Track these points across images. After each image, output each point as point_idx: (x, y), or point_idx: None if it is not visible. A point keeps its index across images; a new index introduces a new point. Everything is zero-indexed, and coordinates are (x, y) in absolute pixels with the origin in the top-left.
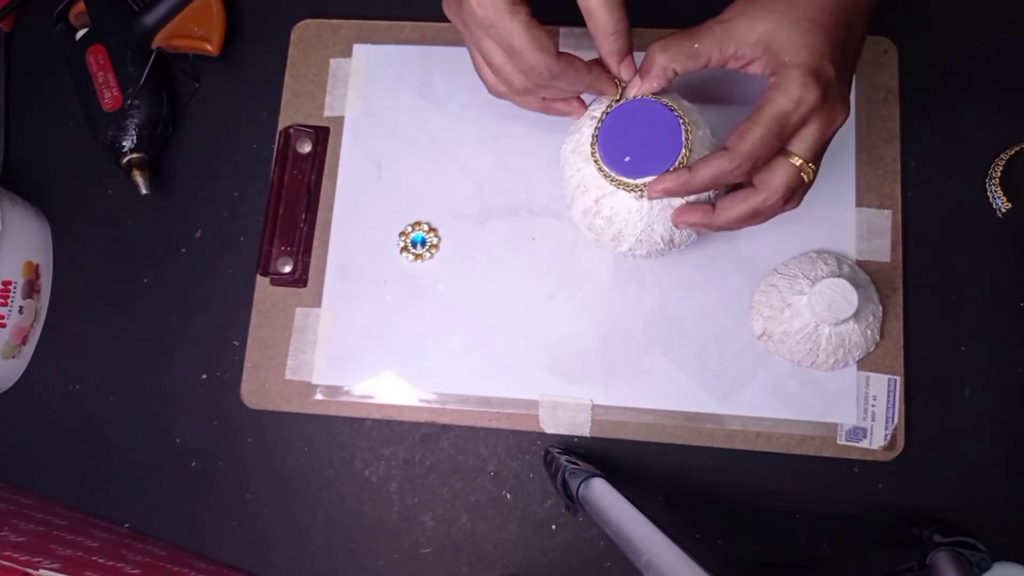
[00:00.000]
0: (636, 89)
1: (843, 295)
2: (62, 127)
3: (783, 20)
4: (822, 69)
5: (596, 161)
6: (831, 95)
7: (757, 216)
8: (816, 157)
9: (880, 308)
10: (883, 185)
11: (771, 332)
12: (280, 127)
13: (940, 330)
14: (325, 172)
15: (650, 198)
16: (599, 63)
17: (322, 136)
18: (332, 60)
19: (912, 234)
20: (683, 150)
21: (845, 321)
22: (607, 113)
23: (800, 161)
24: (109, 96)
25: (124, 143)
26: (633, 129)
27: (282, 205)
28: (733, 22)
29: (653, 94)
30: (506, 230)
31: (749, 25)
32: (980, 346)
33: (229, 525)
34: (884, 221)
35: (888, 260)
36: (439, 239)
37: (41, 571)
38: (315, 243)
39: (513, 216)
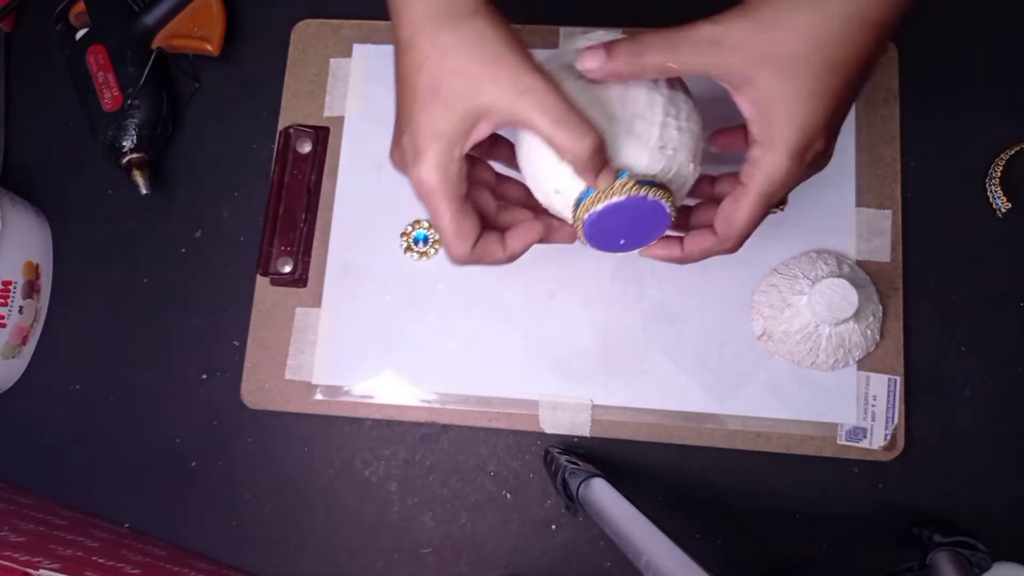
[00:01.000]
0: (597, 64)
1: (843, 295)
2: (62, 127)
3: (786, 80)
4: (811, 146)
5: (577, 226)
6: (817, 161)
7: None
8: (786, 197)
9: (880, 308)
10: (883, 185)
11: (771, 332)
12: (280, 127)
13: (940, 330)
14: (325, 172)
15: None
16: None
17: (322, 136)
18: (332, 60)
19: (912, 234)
20: (670, 220)
21: (845, 321)
22: (589, 215)
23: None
24: (109, 96)
25: (124, 143)
26: (617, 219)
27: (282, 205)
28: (727, 49)
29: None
30: None
31: (744, 62)
32: (980, 346)
33: (229, 525)
34: (884, 221)
35: (888, 260)
36: None
37: (41, 571)
38: (315, 243)
39: None
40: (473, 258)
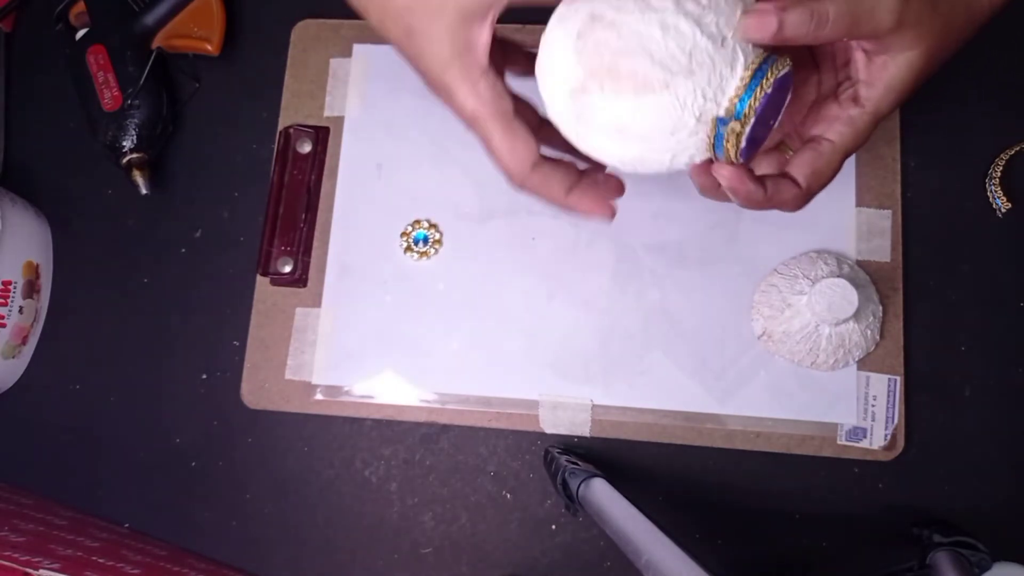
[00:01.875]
0: (765, 32)
1: (843, 295)
2: (62, 127)
3: (924, 66)
4: (890, 114)
5: (744, 122)
6: None
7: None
8: None
9: (880, 308)
10: (883, 185)
11: (771, 332)
12: (280, 127)
13: (940, 330)
14: (325, 172)
15: (717, 176)
16: (592, 174)
17: (322, 136)
18: (332, 60)
19: (912, 234)
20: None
21: (845, 321)
22: (778, 75)
23: None
24: (109, 96)
25: (124, 143)
26: (768, 106)
27: (282, 205)
28: (903, 28)
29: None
30: (506, 230)
31: (909, 39)
32: (980, 346)
33: (229, 525)
34: (884, 221)
35: (888, 260)
36: (441, 235)
37: (41, 571)
38: (315, 243)
39: (513, 216)
40: (532, 185)
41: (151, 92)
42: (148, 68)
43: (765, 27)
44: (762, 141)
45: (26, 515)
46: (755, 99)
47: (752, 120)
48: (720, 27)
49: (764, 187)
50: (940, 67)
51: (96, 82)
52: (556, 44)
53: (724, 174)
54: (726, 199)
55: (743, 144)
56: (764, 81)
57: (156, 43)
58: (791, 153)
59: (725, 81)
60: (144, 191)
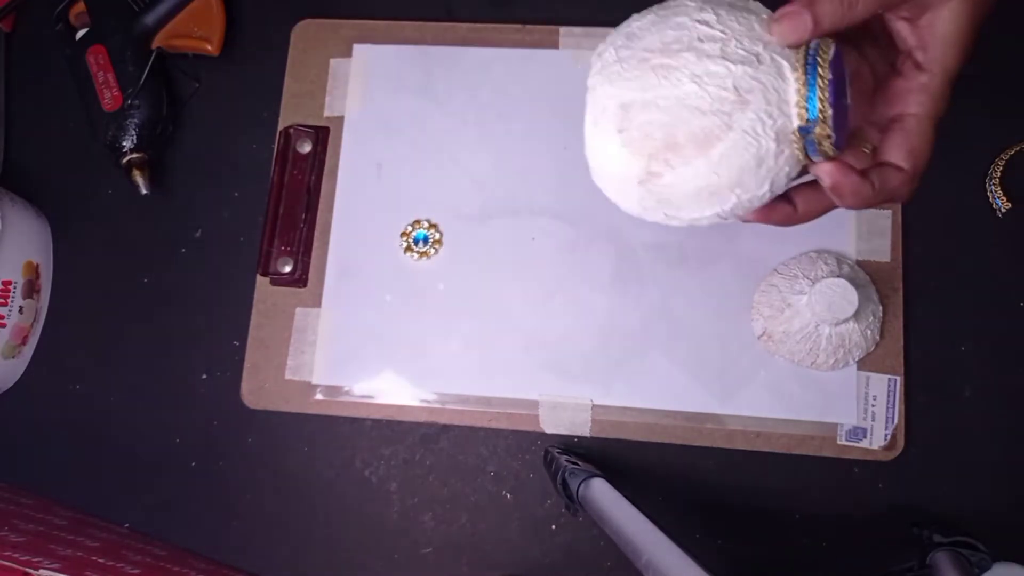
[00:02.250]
0: (803, 29)
1: (843, 295)
2: (62, 127)
3: (971, 8)
4: (957, 79)
5: (825, 120)
6: None
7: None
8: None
9: (880, 308)
10: None
11: (771, 332)
12: (280, 127)
13: (940, 330)
14: (325, 172)
15: (818, 176)
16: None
17: (322, 136)
18: (332, 60)
19: (912, 234)
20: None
21: (845, 321)
22: (829, 59)
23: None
24: (109, 96)
25: (124, 143)
26: (836, 89)
27: (282, 205)
28: None
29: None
30: (506, 230)
31: None
32: (980, 346)
33: (229, 525)
34: (884, 221)
35: (888, 260)
36: (441, 235)
37: (41, 571)
38: (315, 243)
39: (513, 216)
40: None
41: (151, 92)
42: (148, 68)
43: (801, 27)
44: (848, 127)
45: (26, 515)
46: (822, 92)
47: (831, 113)
48: (748, 47)
49: (869, 179)
50: (993, 2)
51: (96, 82)
52: (602, 148)
53: (825, 170)
54: (815, 215)
55: (834, 137)
56: (820, 71)
57: (156, 43)
58: (869, 148)
59: (782, 92)
60: (144, 191)
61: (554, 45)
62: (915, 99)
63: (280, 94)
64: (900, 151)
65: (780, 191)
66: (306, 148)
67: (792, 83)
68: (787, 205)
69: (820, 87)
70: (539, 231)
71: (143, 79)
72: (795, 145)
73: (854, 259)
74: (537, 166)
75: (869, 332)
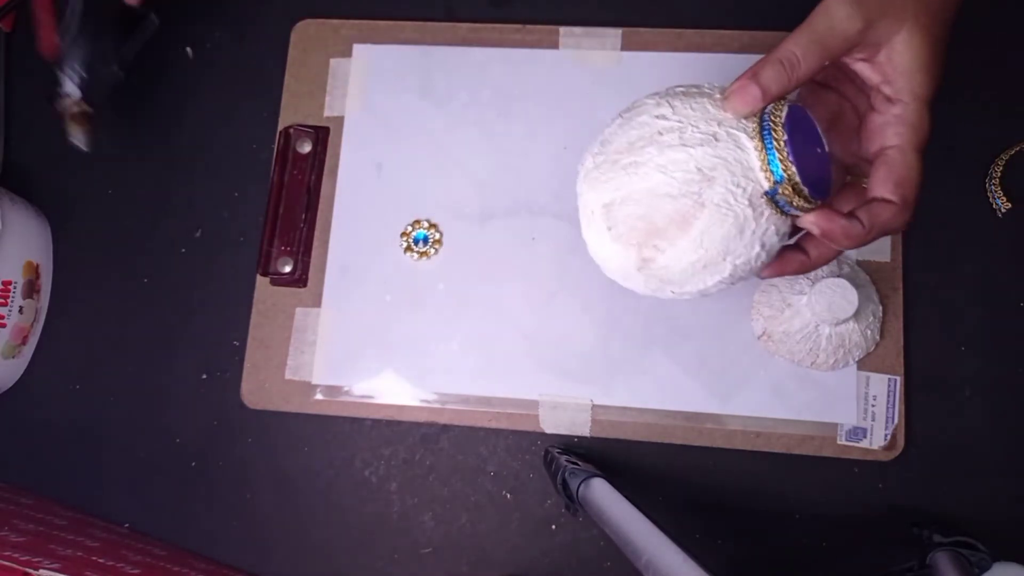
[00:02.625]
0: (751, 101)
1: (843, 295)
2: (62, 127)
3: (923, 35)
4: (934, 101)
5: (791, 179)
6: None
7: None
8: None
9: (880, 308)
10: None
11: (771, 332)
12: (280, 127)
13: (940, 330)
14: (325, 172)
15: (809, 229)
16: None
17: (322, 136)
18: (332, 60)
19: (912, 234)
20: (831, 177)
21: (845, 321)
22: (782, 120)
23: None
24: (48, 37)
25: (62, 88)
26: (802, 144)
27: (282, 205)
28: (873, 24)
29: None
30: (506, 230)
31: (889, 27)
32: (980, 346)
33: (229, 525)
34: None
35: (888, 260)
36: (441, 235)
37: (41, 571)
38: (315, 243)
39: (513, 216)
40: None
41: (90, 33)
42: (82, 5)
43: (750, 98)
44: (828, 174)
45: (26, 515)
46: (780, 152)
47: (794, 168)
48: (704, 129)
49: (858, 218)
50: (949, 19)
51: (37, 22)
52: (599, 246)
53: (810, 220)
54: (830, 258)
55: (806, 191)
56: (775, 134)
57: None
58: (867, 183)
59: (745, 162)
60: (84, 147)
61: (554, 45)
62: (893, 131)
63: (280, 94)
64: (887, 185)
65: (776, 247)
66: (306, 148)
67: (752, 151)
68: (799, 254)
69: (777, 148)
70: (539, 231)
71: (79, 18)
72: (772, 209)
73: (854, 259)
74: (537, 166)
75: (869, 332)
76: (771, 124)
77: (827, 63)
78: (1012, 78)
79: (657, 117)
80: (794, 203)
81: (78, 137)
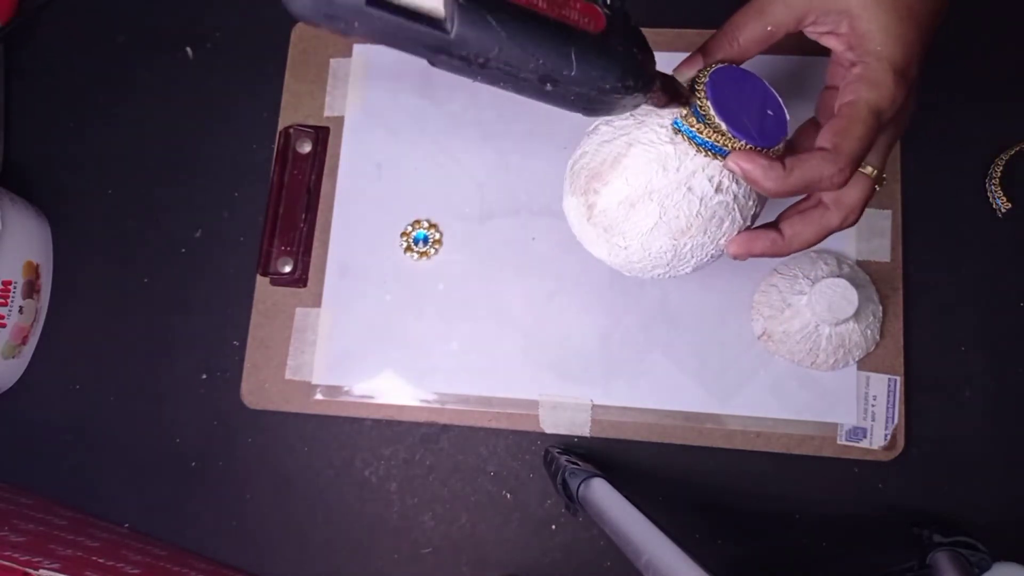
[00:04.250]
0: (692, 73)
1: (843, 295)
2: (62, 127)
3: (880, 2)
4: (909, 70)
5: (706, 115)
6: (911, 101)
7: (826, 237)
8: (885, 167)
9: (880, 308)
10: (883, 185)
11: (771, 332)
12: (280, 127)
13: (940, 330)
14: (325, 172)
15: (729, 170)
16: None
17: (322, 136)
18: (332, 60)
19: (912, 234)
20: (786, 133)
21: (845, 321)
22: (709, 72)
23: (875, 172)
24: None
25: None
26: (736, 96)
27: (282, 205)
28: None
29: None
30: (506, 230)
31: None
32: (980, 346)
33: (229, 525)
34: (884, 221)
35: (888, 260)
36: (441, 234)
37: (41, 571)
38: (315, 243)
39: (513, 216)
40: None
41: None
42: None
43: (693, 62)
44: (772, 126)
45: (26, 515)
46: (700, 92)
47: (709, 103)
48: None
49: (781, 162)
50: None
51: None
52: (565, 205)
53: (731, 159)
54: (806, 240)
55: (723, 125)
56: (699, 78)
57: None
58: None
59: (676, 111)
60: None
61: None
62: (851, 89)
63: (280, 94)
64: (827, 134)
65: (713, 200)
66: (306, 148)
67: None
68: (772, 231)
69: (697, 90)
70: (539, 231)
71: None
72: (684, 142)
73: (854, 259)
74: (537, 166)
75: (869, 332)
76: (700, 73)
77: (771, 30)
78: (1012, 78)
79: None
80: (703, 133)
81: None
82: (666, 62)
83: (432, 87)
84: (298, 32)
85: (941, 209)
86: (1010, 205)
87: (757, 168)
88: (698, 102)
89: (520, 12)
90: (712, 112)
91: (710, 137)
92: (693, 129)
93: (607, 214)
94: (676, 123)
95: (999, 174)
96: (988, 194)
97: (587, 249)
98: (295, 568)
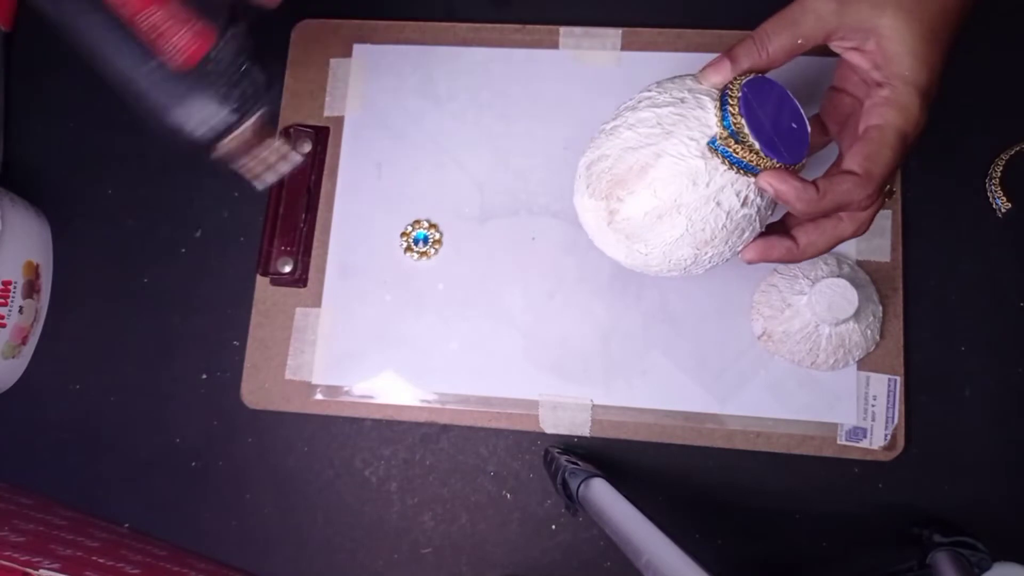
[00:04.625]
0: (722, 76)
1: (843, 295)
2: (62, 127)
3: (908, 21)
4: (931, 93)
5: (739, 132)
6: (929, 120)
7: (837, 246)
8: (894, 179)
9: (880, 308)
10: (892, 197)
11: (771, 332)
12: (280, 127)
13: (940, 330)
14: (325, 172)
15: (760, 189)
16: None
17: (322, 136)
18: (332, 60)
19: (912, 234)
20: (807, 146)
21: (845, 321)
22: (741, 84)
23: (888, 187)
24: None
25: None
26: (765, 110)
27: (282, 205)
28: (847, 8)
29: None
30: (506, 230)
31: (867, 16)
32: (980, 346)
33: (229, 525)
34: (884, 221)
35: (888, 260)
36: (441, 235)
37: (41, 571)
38: (315, 243)
39: (513, 216)
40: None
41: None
42: None
43: (722, 68)
44: (797, 142)
45: (26, 515)
46: (733, 107)
47: (743, 121)
48: (675, 95)
49: (815, 185)
50: (939, 8)
51: (139, 32)
52: (581, 205)
53: (765, 179)
54: (819, 248)
55: (756, 145)
56: (730, 93)
57: None
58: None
59: (703, 118)
60: (299, 158)
61: (554, 45)
62: (877, 112)
63: (280, 94)
64: (855, 158)
65: (738, 214)
66: (306, 148)
67: (712, 110)
68: (787, 240)
69: (731, 104)
70: (539, 231)
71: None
72: (716, 158)
73: (854, 259)
74: (537, 166)
75: (869, 332)
76: (731, 86)
77: (801, 42)
78: (1012, 78)
79: (643, 91)
80: (738, 153)
81: (285, 157)
82: (669, 62)
83: (432, 87)
84: (298, 32)
85: (941, 209)
86: (1010, 205)
87: (791, 190)
88: (732, 118)
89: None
90: (747, 131)
91: (744, 156)
92: (729, 149)
93: (631, 222)
94: (712, 143)
95: (999, 174)
96: (988, 194)
97: (600, 248)
98: (295, 568)
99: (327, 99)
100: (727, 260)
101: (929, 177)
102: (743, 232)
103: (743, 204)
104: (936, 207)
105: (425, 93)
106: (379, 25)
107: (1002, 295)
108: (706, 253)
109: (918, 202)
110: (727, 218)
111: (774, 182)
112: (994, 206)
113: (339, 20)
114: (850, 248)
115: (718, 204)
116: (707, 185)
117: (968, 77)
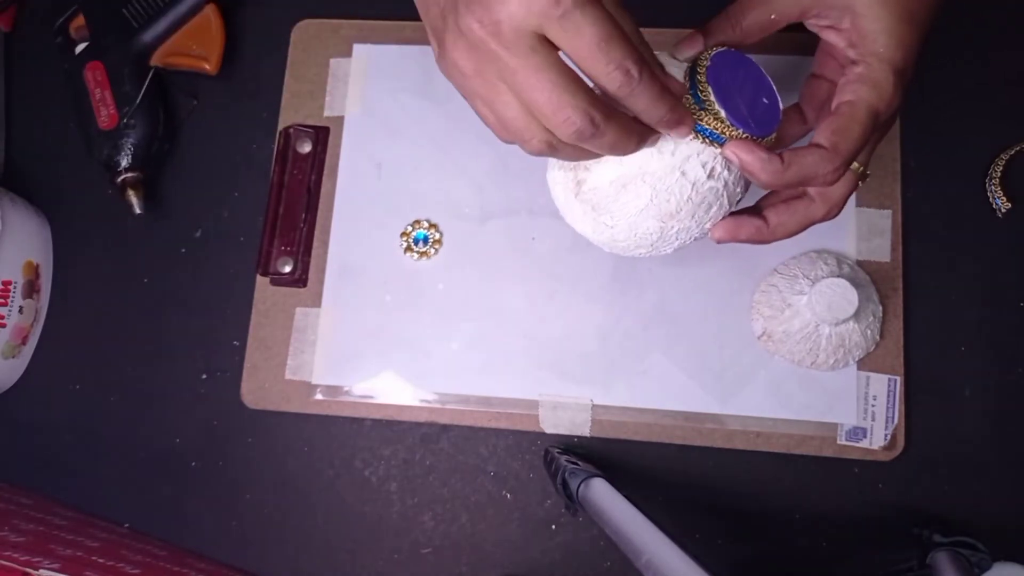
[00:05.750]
0: (696, 49)
1: (843, 295)
2: (62, 127)
3: (883, 2)
4: (907, 72)
5: (706, 101)
6: (904, 101)
7: (809, 228)
8: (869, 163)
9: (880, 308)
10: (883, 185)
11: (771, 332)
12: (280, 127)
13: (940, 330)
14: (325, 172)
15: (726, 159)
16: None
17: (322, 136)
18: (332, 60)
19: (912, 234)
20: (779, 121)
21: (845, 321)
22: (711, 55)
23: (860, 169)
24: (105, 114)
25: (120, 161)
26: (735, 82)
27: (282, 205)
28: None
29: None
30: (506, 230)
31: None
32: (980, 346)
33: (229, 525)
34: (884, 221)
35: (888, 260)
36: (441, 234)
37: (41, 571)
38: (315, 243)
39: (513, 216)
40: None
41: (147, 111)
42: (145, 87)
43: (694, 42)
44: (767, 113)
45: (26, 515)
46: (701, 78)
47: (710, 89)
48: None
49: (780, 157)
50: None
51: (93, 99)
52: (551, 180)
53: (730, 148)
54: (790, 229)
55: (722, 113)
56: (699, 65)
57: (154, 61)
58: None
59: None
60: (138, 211)
61: None
62: (851, 88)
63: (280, 94)
64: (825, 132)
65: (704, 186)
66: (306, 148)
67: (680, 79)
68: (757, 219)
69: (699, 73)
70: (539, 231)
71: (139, 98)
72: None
73: (854, 259)
74: (537, 166)
75: (869, 332)
76: (702, 56)
77: (774, 18)
78: (1012, 78)
79: None
80: (703, 120)
81: (134, 202)
82: (667, 60)
83: (432, 87)
84: (298, 32)
85: (941, 209)
86: (1010, 205)
87: (756, 160)
88: (699, 88)
89: None
90: (713, 99)
91: (709, 124)
92: (693, 116)
93: (597, 192)
94: (698, 126)
95: (999, 174)
96: (988, 194)
97: (569, 224)
98: (295, 568)
99: (327, 99)
100: (696, 239)
101: (929, 177)
102: (710, 207)
103: (709, 176)
104: (936, 207)
105: (425, 93)
106: (379, 25)
107: (1002, 295)
108: (672, 227)
109: (918, 202)
110: (692, 189)
111: (739, 152)
112: (994, 206)
113: (339, 20)
114: (850, 248)
115: (683, 174)
116: (672, 154)
117: (968, 77)
